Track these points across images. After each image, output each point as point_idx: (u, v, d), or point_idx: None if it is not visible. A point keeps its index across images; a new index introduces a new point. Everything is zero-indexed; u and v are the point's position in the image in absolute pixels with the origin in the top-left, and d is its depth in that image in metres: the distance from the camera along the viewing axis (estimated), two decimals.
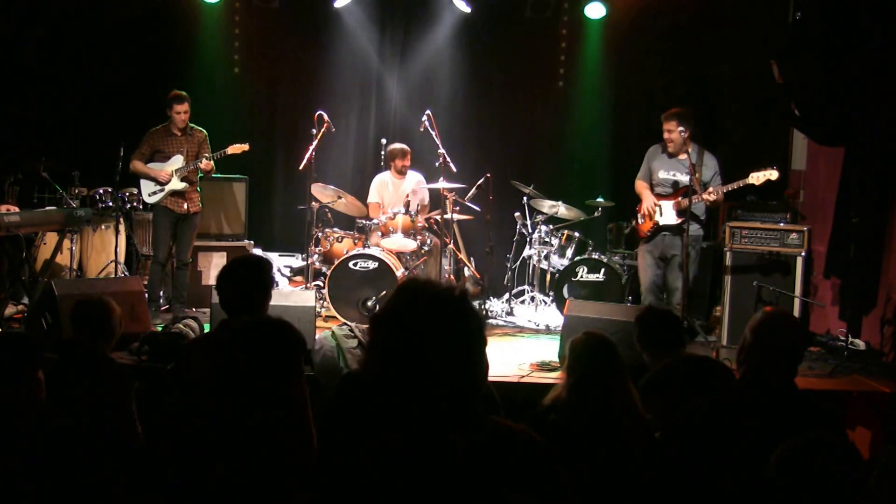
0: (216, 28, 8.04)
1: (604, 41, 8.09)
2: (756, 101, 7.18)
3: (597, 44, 8.13)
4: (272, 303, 3.18)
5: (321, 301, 6.38)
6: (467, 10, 7.77)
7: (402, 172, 7.19)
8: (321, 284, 6.60)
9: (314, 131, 6.45)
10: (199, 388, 2.88)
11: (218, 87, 8.02)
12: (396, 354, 1.49)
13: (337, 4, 7.79)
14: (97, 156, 7.00)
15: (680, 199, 5.87)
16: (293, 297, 5.34)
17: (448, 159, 6.50)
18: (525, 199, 7.37)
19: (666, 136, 5.89)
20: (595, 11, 7.87)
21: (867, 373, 5.25)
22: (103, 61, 7.69)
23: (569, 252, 7.09)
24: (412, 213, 6.69)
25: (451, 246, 6.83)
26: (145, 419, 3.47)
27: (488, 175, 6.89)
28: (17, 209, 6.02)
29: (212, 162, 6.31)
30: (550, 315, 6.93)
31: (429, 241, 6.82)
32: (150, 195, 6.32)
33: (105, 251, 7.00)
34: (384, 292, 6.24)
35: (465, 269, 7.46)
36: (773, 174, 5.62)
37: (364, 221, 6.90)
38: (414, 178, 7.28)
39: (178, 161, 6.28)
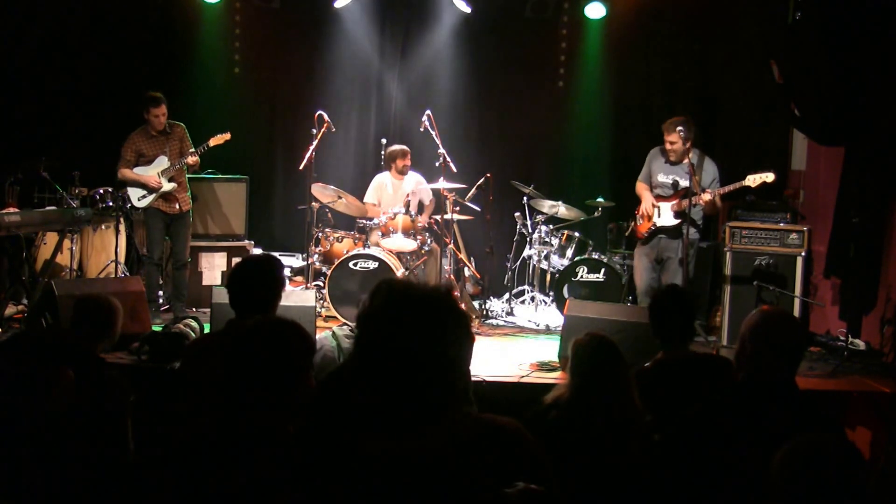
0: (216, 28, 8.04)
1: (604, 41, 8.08)
2: (756, 101, 7.18)
3: (597, 44, 8.13)
4: None
5: (321, 301, 6.38)
6: (467, 10, 7.77)
7: (402, 173, 7.19)
8: (321, 284, 6.60)
9: (314, 131, 6.45)
10: (203, 388, 2.87)
11: (218, 87, 8.02)
12: (380, 351, 1.49)
13: (337, 4, 7.79)
14: (97, 156, 7.01)
15: (679, 200, 5.87)
16: (293, 297, 5.34)
17: (448, 159, 6.50)
18: (525, 199, 7.37)
19: (668, 146, 5.91)
20: (595, 11, 7.87)
21: (867, 373, 5.26)
22: (103, 61, 7.69)
23: (569, 252, 7.09)
24: (412, 213, 6.70)
25: (451, 246, 6.83)
26: (145, 419, 3.47)
27: (488, 175, 6.89)
28: (16, 209, 6.03)
29: (195, 157, 6.33)
30: (550, 315, 6.93)
31: (429, 242, 6.82)
32: (139, 199, 6.32)
33: (105, 251, 7.00)
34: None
35: (465, 269, 7.46)
36: (769, 176, 5.62)
37: (364, 221, 6.90)
38: (413, 179, 7.28)
39: (163, 162, 6.30)
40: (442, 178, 6.52)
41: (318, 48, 8.18)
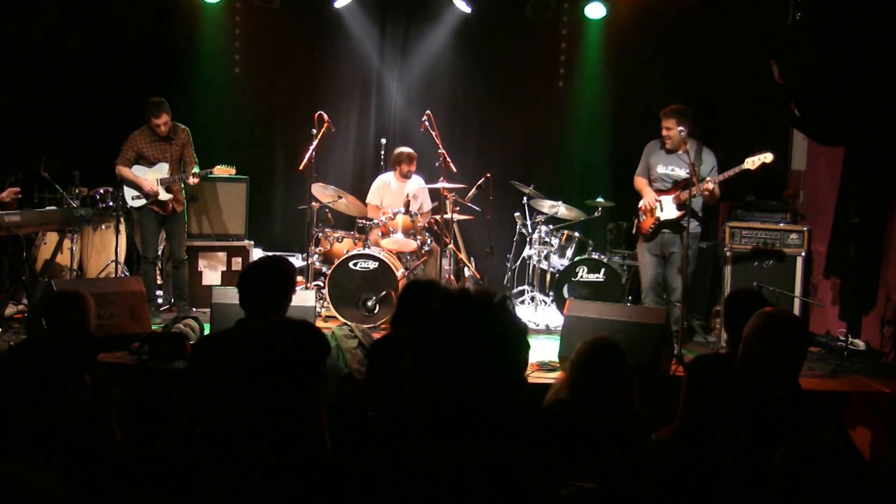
0: (216, 28, 8.04)
1: (604, 41, 8.09)
2: (756, 101, 7.18)
3: (597, 44, 8.13)
4: None
5: (321, 301, 6.39)
6: (467, 10, 7.77)
7: (406, 177, 7.17)
8: (321, 284, 6.60)
9: (314, 131, 6.45)
10: (211, 386, 2.87)
11: (218, 87, 8.02)
12: (442, 361, 1.48)
13: (337, 4, 7.79)
14: (97, 156, 7.01)
15: (679, 192, 5.86)
16: (293, 297, 5.32)
17: (448, 159, 6.50)
18: (525, 199, 7.37)
19: (664, 132, 5.89)
20: (595, 11, 7.87)
21: (867, 373, 5.26)
22: (103, 61, 7.69)
23: (569, 252, 7.09)
24: (412, 213, 6.69)
25: (451, 246, 6.83)
26: (145, 420, 3.47)
27: (488, 175, 6.89)
28: (17, 192, 6.05)
29: (197, 179, 6.34)
30: (550, 315, 6.93)
31: (429, 242, 6.82)
32: (133, 199, 6.36)
33: (105, 251, 7.00)
34: (384, 292, 6.25)
35: (465, 269, 7.46)
36: (767, 157, 5.58)
37: (364, 221, 6.90)
38: (416, 182, 7.28)
39: (163, 169, 6.32)
40: (442, 178, 6.52)
41: (318, 48, 8.18)
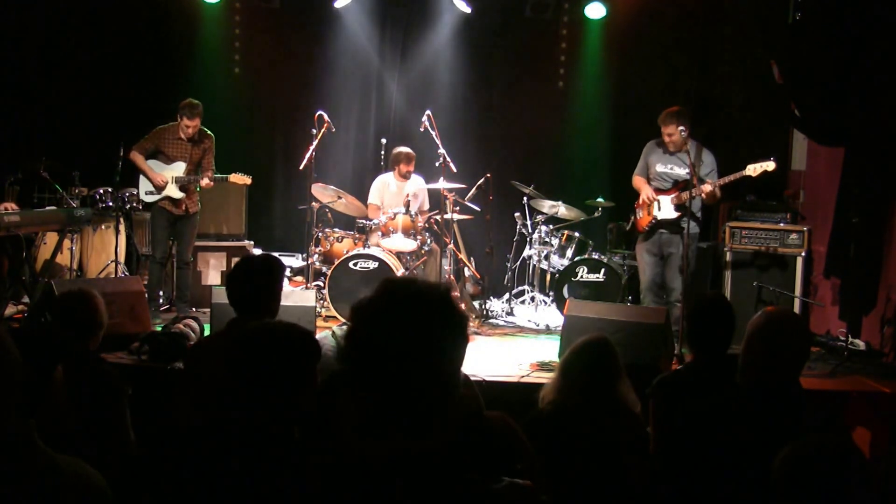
0: (216, 28, 8.04)
1: (604, 41, 8.09)
2: (756, 101, 7.18)
3: (597, 44, 8.13)
4: None
5: (321, 301, 6.38)
6: (467, 10, 7.76)
7: (405, 177, 7.16)
8: (321, 284, 6.60)
9: (314, 131, 6.45)
10: (205, 389, 2.87)
11: (218, 87, 8.02)
12: (371, 346, 1.47)
13: (337, 4, 7.79)
14: (97, 156, 7.01)
15: (679, 193, 5.86)
16: (293, 297, 5.34)
17: (448, 159, 6.50)
18: (525, 199, 7.37)
19: (666, 139, 5.88)
20: (595, 11, 7.87)
21: (867, 373, 5.25)
22: (104, 61, 7.69)
23: (569, 252, 7.09)
24: (412, 213, 6.69)
25: (451, 246, 6.83)
26: (145, 420, 3.46)
27: (488, 175, 6.89)
28: (16, 208, 6.03)
29: (211, 182, 6.32)
30: (550, 315, 6.93)
31: (429, 242, 6.82)
32: (146, 194, 6.34)
33: (105, 251, 7.00)
34: None
35: (465, 269, 7.46)
36: (769, 165, 5.57)
37: (364, 221, 6.89)
38: (416, 182, 7.28)
39: (179, 168, 6.30)
40: (442, 178, 6.52)
41: (318, 48, 8.18)
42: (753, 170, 5.60)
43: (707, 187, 5.65)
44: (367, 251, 6.45)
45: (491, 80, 8.29)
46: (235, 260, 7.00)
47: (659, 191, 6.00)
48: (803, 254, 5.98)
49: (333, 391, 2.20)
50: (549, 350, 5.55)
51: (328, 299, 6.36)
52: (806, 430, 2.05)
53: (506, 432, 2.21)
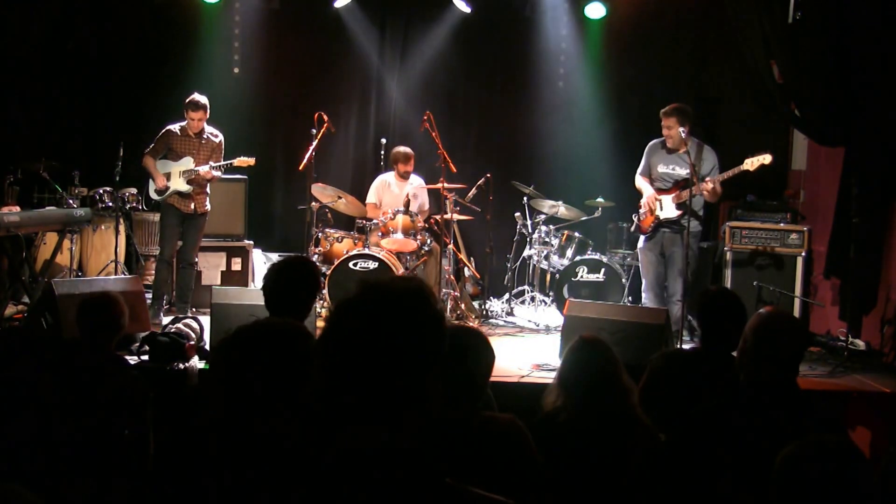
0: (216, 28, 8.03)
1: (604, 41, 8.09)
2: (756, 101, 7.18)
3: (597, 44, 8.13)
4: None
5: (321, 301, 6.38)
6: (467, 10, 7.76)
7: (404, 177, 7.17)
8: (321, 284, 6.59)
9: (314, 131, 6.44)
10: (214, 388, 2.87)
11: (218, 87, 8.00)
12: (337, 341, 1.48)
13: (337, 4, 7.78)
14: (97, 156, 7.01)
15: (679, 191, 5.86)
16: None
17: (448, 159, 6.50)
18: (525, 199, 7.37)
19: (665, 132, 5.89)
20: (595, 11, 7.87)
21: (867, 373, 5.26)
22: (103, 61, 7.69)
23: (569, 252, 7.09)
24: (412, 213, 6.69)
25: (451, 246, 6.83)
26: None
27: (488, 175, 6.89)
28: (17, 209, 6.03)
29: (213, 172, 6.31)
30: (550, 315, 6.93)
31: (429, 242, 6.82)
32: (154, 191, 6.35)
33: (105, 251, 7.00)
34: None
35: (465, 269, 7.46)
36: (766, 158, 5.59)
37: (364, 222, 6.89)
38: (415, 182, 7.28)
39: (187, 162, 6.30)
40: (442, 179, 6.52)
41: (318, 48, 8.18)
42: (751, 163, 5.61)
43: (707, 184, 5.66)
44: (366, 251, 6.44)
45: (491, 80, 8.28)
46: (235, 260, 7.04)
47: (660, 191, 6.01)
48: (803, 254, 5.99)
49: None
50: (549, 350, 5.55)
51: (328, 299, 6.35)
52: (806, 430, 2.04)
53: (511, 435, 2.21)
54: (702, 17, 7.56)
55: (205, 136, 6.34)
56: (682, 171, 5.87)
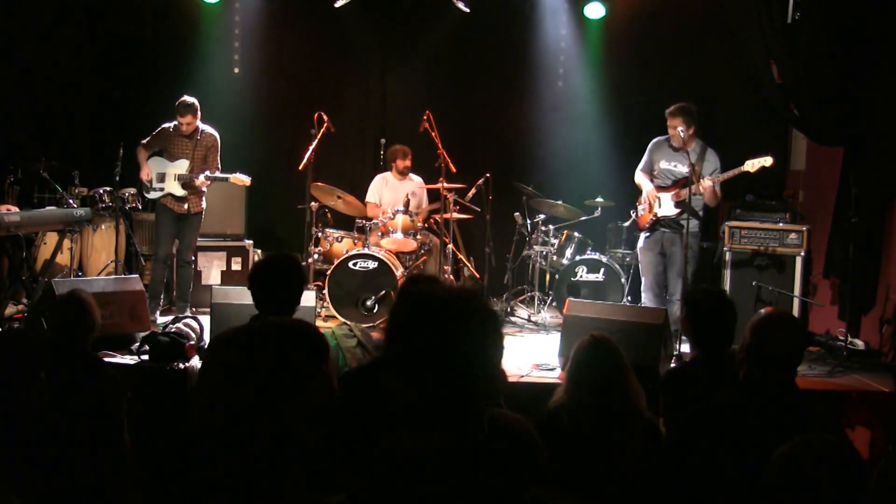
0: (216, 28, 8.04)
1: (604, 41, 8.09)
2: (756, 101, 7.18)
3: (597, 44, 8.14)
4: None
5: (321, 301, 6.39)
6: (467, 10, 7.76)
7: (403, 174, 7.18)
8: (321, 284, 6.61)
9: (314, 131, 6.44)
10: (219, 384, 2.88)
11: (218, 87, 8.01)
12: (408, 349, 1.51)
13: (337, 4, 7.78)
14: (97, 156, 7.01)
15: (678, 189, 5.87)
16: None
17: (448, 159, 6.50)
18: (525, 198, 7.37)
19: (671, 131, 5.90)
20: (595, 11, 7.88)
21: (866, 372, 5.26)
22: (104, 61, 7.69)
23: (568, 252, 7.09)
24: (412, 212, 6.70)
25: (450, 246, 6.83)
26: (145, 420, 3.46)
27: (488, 175, 6.90)
28: (17, 209, 6.03)
29: (208, 182, 6.32)
30: (550, 315, 6.93)
31: (428, 241, 6.82)
32: (149, 191, 6.36)
33: (105, 251, 7.01)
34: (384, 292, 6.25)
35: (465, 268, 7.46)
36: (767, 160, 5.59)
37: (364, 221, 6.90)
38: (415, 181, 7.29)
39: (182, 165, 6.31)
40: (442, 179, 6.52)
41: (318, 48, 8.18)
42: (752, 165, 5.62)
43: (707, 182, 5.67)
44: (366, 251, 6.45)
45: (491, 80, 8.28)
46: (235, 260, 7.04)
47: (660, 188, 6.01)
48: (802, 253, 5.98)
49: (359, 385, 2.20)
50: (549, 350, 5.55)
51: (328, 299, 6.36)
52: (804, 429, 2.05)
53: (526, 437, 2.21)
54: (701, 17, 7.56)
55: (199, 136, 6.34)
56: (683, 169, 5.87)
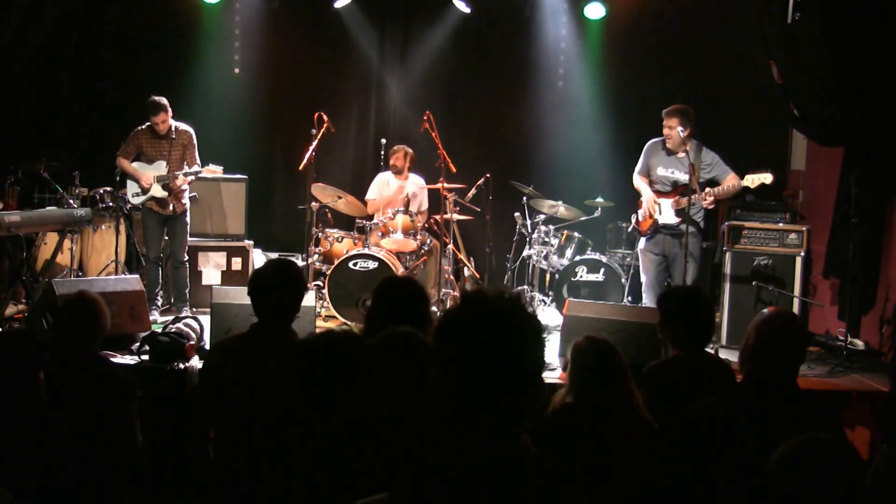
0: (216, 28, 8.04)
1: (604, 41, 8.09)
2: (756, 101, 7.18)
3: (597, 44, 8.14)
4: None
5: (321, 301, 6.39)
6: (467, 10, 7.77)
7: (399, 172, 7.18)
8: (321, 284, 6.61)
9: (314, 131, 6.45)
10: (228, 389, 2.89)
11: (218, 87, 8.02)
12: (460, 361, 1.52)
13: (337, 4, 7.78)
14: (97, 156, 7.01)
15: (678, 198, 5.87)
16: None
17: (448, 159, 6.50)
18: (525, 199, 7.37)
19: (666, 132, 5.90)
20: (595, 11, 7.88)
21: (866, 372, 5.26)
22: (104, 61, 7.69)
23: (568, 252, 7.09)
24: (412, 212, 6.70)
25: (450, 246, 6.84)
26: (145, 420, 3.46)
27: (488, 175, 6.90)
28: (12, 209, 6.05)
29: (188, 178, 6.34)
30: (550, 315, 6.93)
31: (429, 241, 6.83)
32: (133, 195, 6.38)
33: (105, 251, 7.01)
34: None
35: (465, 269, 7.46)
36: (767, 178, 5.62)
37: (364, 221, 6.90)
38: (415, 181, 7.29)
39: (160, 167, 6.33)
40: (442, 179, 6.52)
41: (317, 48, 8.18)
42: (751, 181, 5.65)
43: (707, 198, 5.69)
44: (366, 251, 6.45)
45: (491, 81, 8.28)
46: (235, 260, 7.04)
47: (659, 193, 6.01)
48: (802, 253, 5.99)
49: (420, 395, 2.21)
50: (550, 350, 5.55)
51: (328, 299, 6.36)
52: (805, 429, 2.05)
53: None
54: (701, 17, 7.56)
55: (173, 135, 6.35)
56: (681, 175, 5.88)
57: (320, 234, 6.82)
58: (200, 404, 3.19)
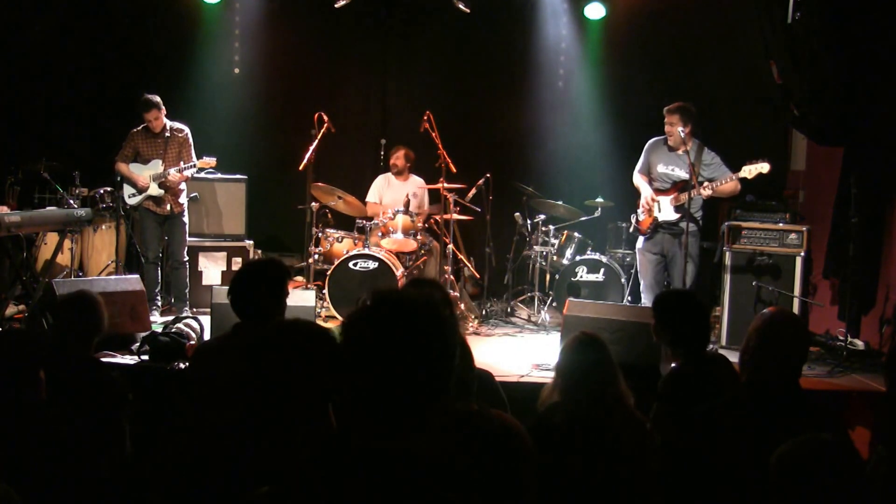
0: (216, 28, 8.04)
1: (604, 41, 8.09)
2: (755, 102, 7.18)
3: (597, 44, 8.14)
4: None
5: (321, 301, 6.39)
6: (467, 10, 7.76)
7: (400, 173, 7.18)
8: (321, 284, 6.61)
9: (314, 131, 6.45)
10: (212, 391, 2.88)
11: (218, 87, 8.02)
12: (358, 350, 1.53)
13: (337, 4, 7.78)
14: (97, 156, 7.01)
15: (677, 193, 5.87)
16: (293, 297, 5.32)
17: (448, 159, 6.50)
18: (525, 199, 7.37)
19: (667, 129, 5.91)
20: (595, 11, 7.88)
21: (866, 373, 5.26)
22: (104, 61, 7.69)
23: (568, 252, 7.09)
24: (412, 213, 6.70)
25: (450, 246, 6.84)
26: (145, 419, 3.46)
27: (488, 175, 6.90)
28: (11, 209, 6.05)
29: (184, 173, 6.34)
30: (550, 315, 6.93)
31: (429, 241, 6.82)
32: (130, 196, 6.41)
33: (105, 251, 7.01)
34: None
35: (465, 269, 7.46)
36: (764, 167, 5.60)
37: (364, 222, 6.90)
38: (415, 182, 7.29)
39: (156, 166, 6.34)
40: (442, 179, 6.52)
41: (317, 48, 8.18)
42: (749, 172, 5.62)
43: (707, 191, 5.69)
44: (366, 251, 6.45)
45: (491, 80, 8.28)
46: (235, 260, 7.04)
47: (658, 191, 6.01)
48: (802, 254, 5.98)
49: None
50: (549, 350, 5.56)
51: (328, 299, 6.36)
52: (807, 430, 2.05)
53: (512, 438, 2.21)
54: (701, 17, 7.56)
55: (168, 134, 6.36)
56: (681, 173, 5.88)
57: (320, 235, 6.82)
58: (184, 407, 3.18)
